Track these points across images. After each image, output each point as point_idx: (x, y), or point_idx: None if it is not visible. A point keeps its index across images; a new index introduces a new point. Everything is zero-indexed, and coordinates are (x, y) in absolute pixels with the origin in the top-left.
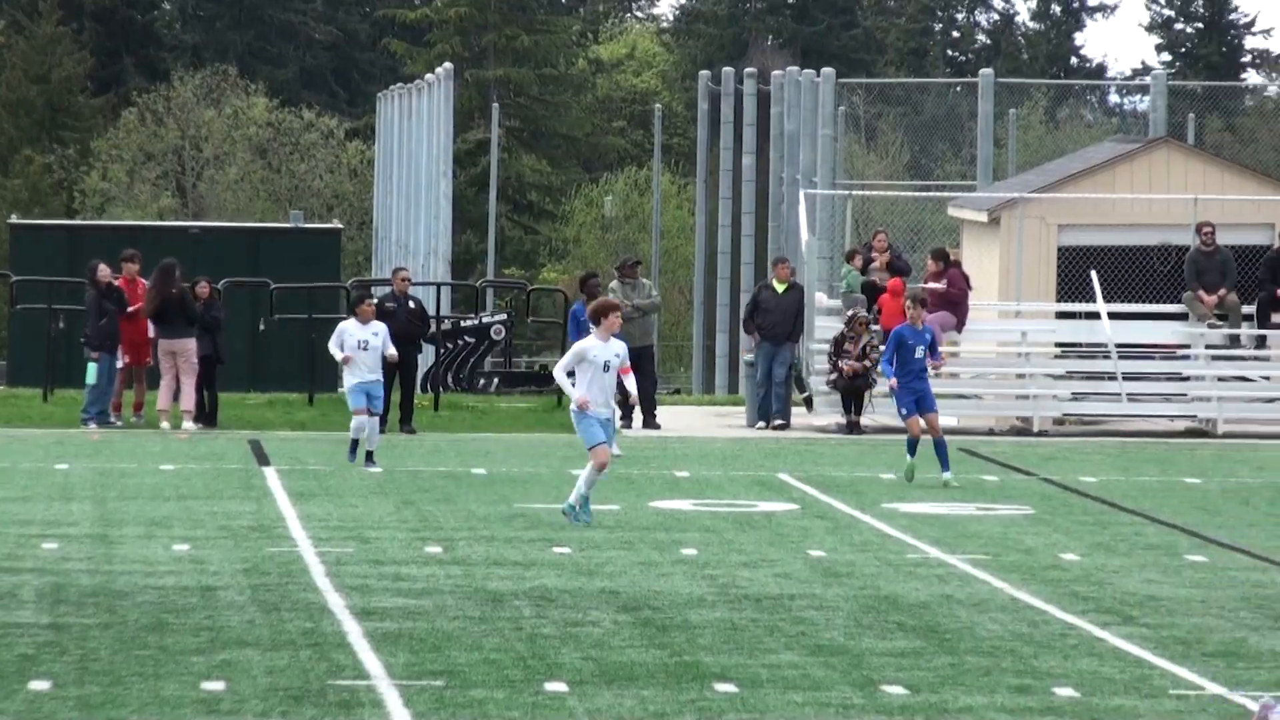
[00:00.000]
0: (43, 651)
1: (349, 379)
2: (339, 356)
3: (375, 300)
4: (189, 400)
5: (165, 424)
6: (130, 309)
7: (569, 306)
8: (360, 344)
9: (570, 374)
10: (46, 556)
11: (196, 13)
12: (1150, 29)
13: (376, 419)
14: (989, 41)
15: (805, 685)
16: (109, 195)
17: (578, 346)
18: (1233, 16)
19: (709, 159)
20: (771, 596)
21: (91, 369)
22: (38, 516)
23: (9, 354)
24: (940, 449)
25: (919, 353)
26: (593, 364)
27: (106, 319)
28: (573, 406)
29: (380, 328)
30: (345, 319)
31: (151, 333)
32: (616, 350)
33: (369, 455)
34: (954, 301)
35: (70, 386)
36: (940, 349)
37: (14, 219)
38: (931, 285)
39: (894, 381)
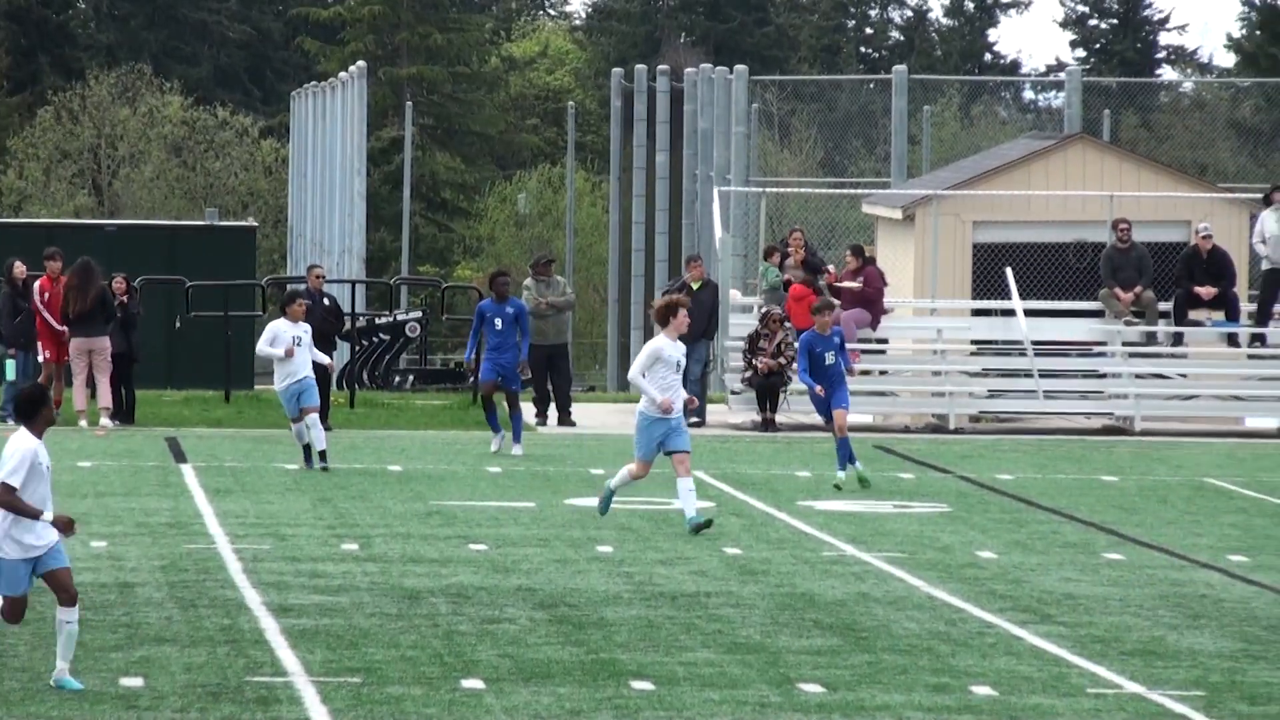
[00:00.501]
0: None
1: (280, 381)
2: (278, 353)
3: (307, 301)
4: (105, 397)
5: (83, 422)
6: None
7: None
8: (295, 340)
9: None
10: None
11: (111, 12)
12: (1065, 25)
13: (316, 416)
14: (902, 38)
15: (722, 683)
16: (25, 193)
17: (651, 347)
18: (1147, 13)
19: (622, 156)
20: (688, 594)
21: (9, 365)
22: None
23: None
24: (842, 448)
25: (829, 358)
26: (666, 364)
27: (21, 316)
28: (644, 408)
29: (307, 327)
30: (259, 316)
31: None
32: (684, 350)
33: (321, 455)
34: (870, 299)
35: None
36: (850, 347)
37: None
38: (847, 284)
39: (820, 389)
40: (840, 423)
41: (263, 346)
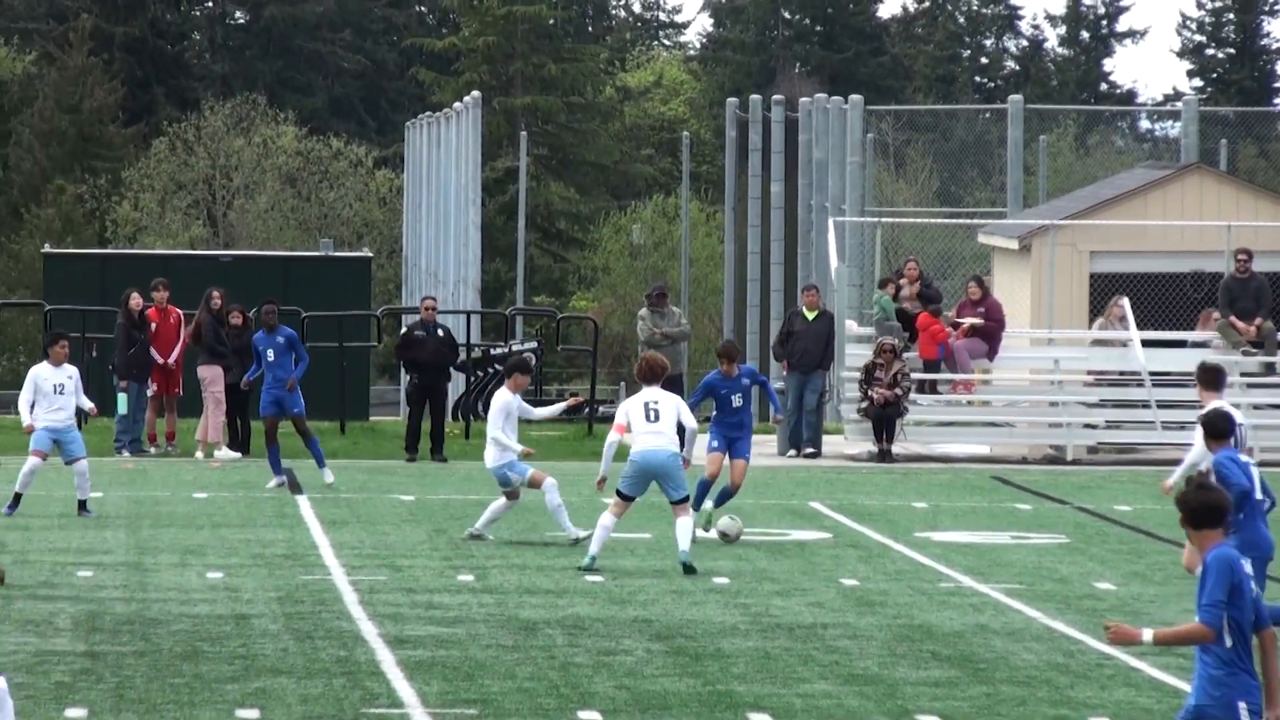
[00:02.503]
0: (79, 679)
1: (40, 421)
2: (25, 418)
3: (66, 343)
4: (205, 428)
5: (200, 453)
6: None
7: (598, 334)
8: (55, 388)
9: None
10: (82, 584)
11: (226, 43)
12: (1181, 54)
13: (84, 464)
14: (1018, 67)
15: (840, 715)
16: (140, 224)
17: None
18: (1265, 42)
19: (737, 186)
20: (805, 625)
21: (121, 399)
22: (73, 545)
23: None
24: (725, 496)
25: (736, 401)
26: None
27: (135, 348)
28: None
29: (74, 371)
30: (374, 347)
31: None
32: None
33: (82, 505)
34: (989, 331)
35: (104, 415)
36: (965, 378)
37: (47, 248)
38: (968, 318)
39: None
40: (737, 474)
41: (23, 397)
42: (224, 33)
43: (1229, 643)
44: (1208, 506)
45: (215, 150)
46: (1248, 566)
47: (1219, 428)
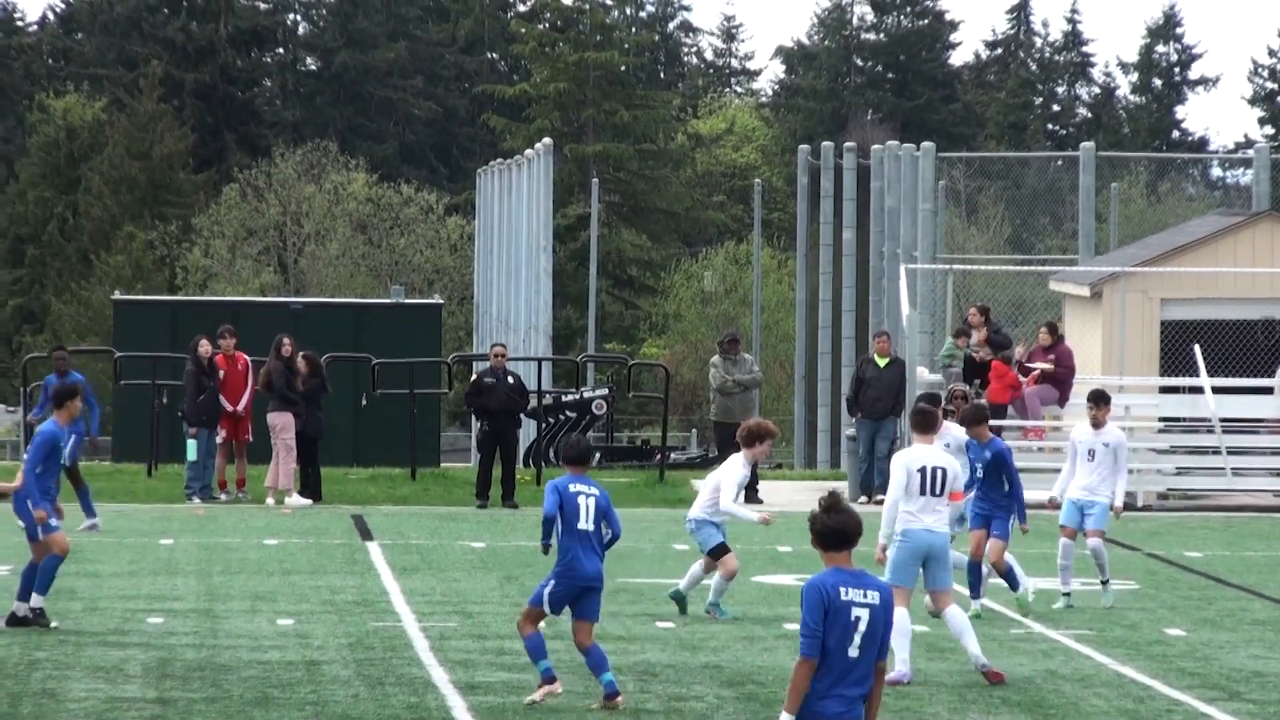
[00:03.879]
0: None
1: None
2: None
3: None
4: (275, 475)
5: (270, 499)
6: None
7: (669, 381)
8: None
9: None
10: (152, 631)
11: (297, 89)
12: (1253, 102)
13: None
14: (1089, 115)
15: None
16: (211, 271)
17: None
18: None
19: (809, 233)
20: None
21: (191, 445)
22: (143, 591)
23: (115, 429)
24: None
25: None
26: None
27: (205, 395)
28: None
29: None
30: (445, 393)
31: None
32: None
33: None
34: (1060, 378)
35: (175, 461)
36: (1036, 424)
37: (118, 295)
38: (1039, 364)
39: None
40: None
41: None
42: (295, 79)
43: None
44: (832, 530)
45: (286, 197)
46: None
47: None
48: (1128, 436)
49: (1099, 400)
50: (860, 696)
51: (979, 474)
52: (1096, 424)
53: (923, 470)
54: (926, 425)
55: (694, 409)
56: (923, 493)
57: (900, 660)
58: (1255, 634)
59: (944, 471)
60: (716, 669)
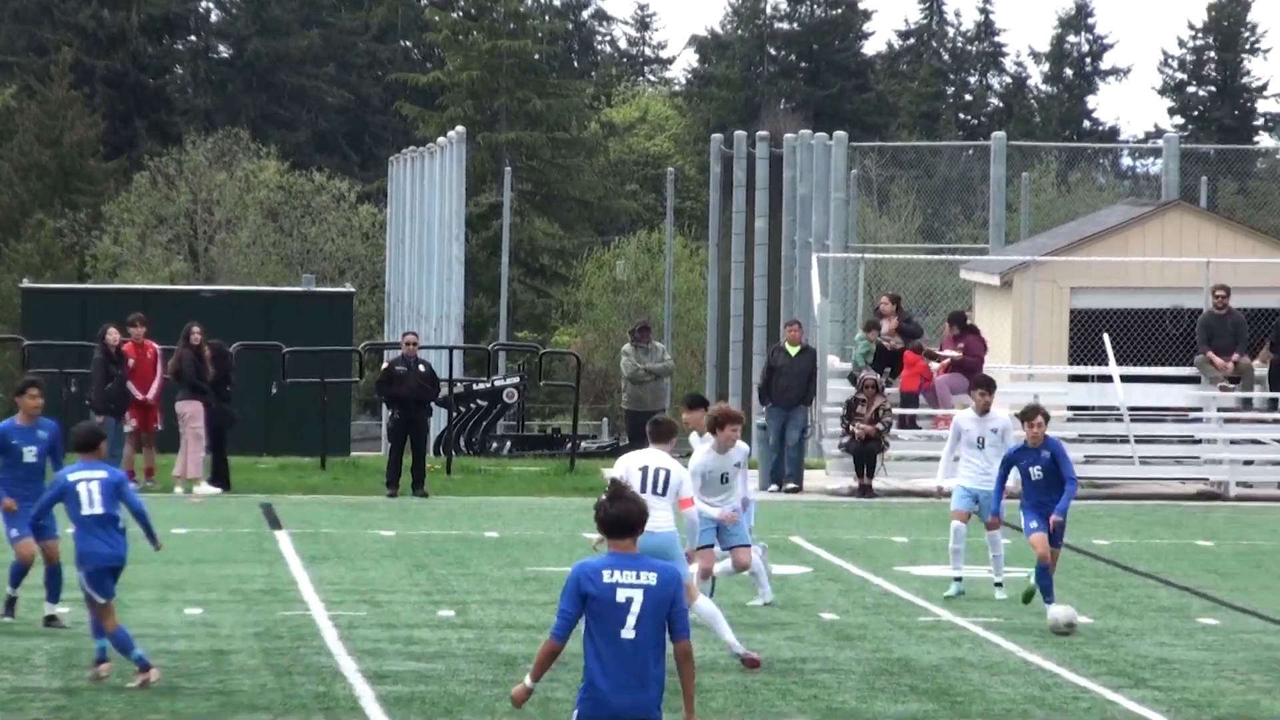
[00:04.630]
0: (56, 716)
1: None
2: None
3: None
4: (184, 464)
5: (179, 488)
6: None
7: (581, 369)
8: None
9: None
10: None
11: (209, 77)
12: (1163, 92)
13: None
14: (1001, 105)
15: None
16: (121, 259)
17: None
18: (1245, 80)
19: (721, 222)
20: (784, 660)
21: None
22: None
23: None
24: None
25: (1035, 474)
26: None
27: (113, 383)
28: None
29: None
30: (356, 382)
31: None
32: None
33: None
34: (969, 367)
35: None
36: (946, 413)
37: (26, 283)
38: (948, 352)
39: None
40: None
41: None
42: (207, 67)
43: (585, 656)
44: (614, 518)
45: (197, 185)
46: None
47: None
48: None
49: (985, 386)
50: (653, 680)
51: (1036, 475)
52: (983, 410)
53: (644, 469)
54: (662, 436)
55: (605, 397)
56: (643, 490)
57: (733, 641)
58: (1161, 621)
59: (666, 473)
60: None
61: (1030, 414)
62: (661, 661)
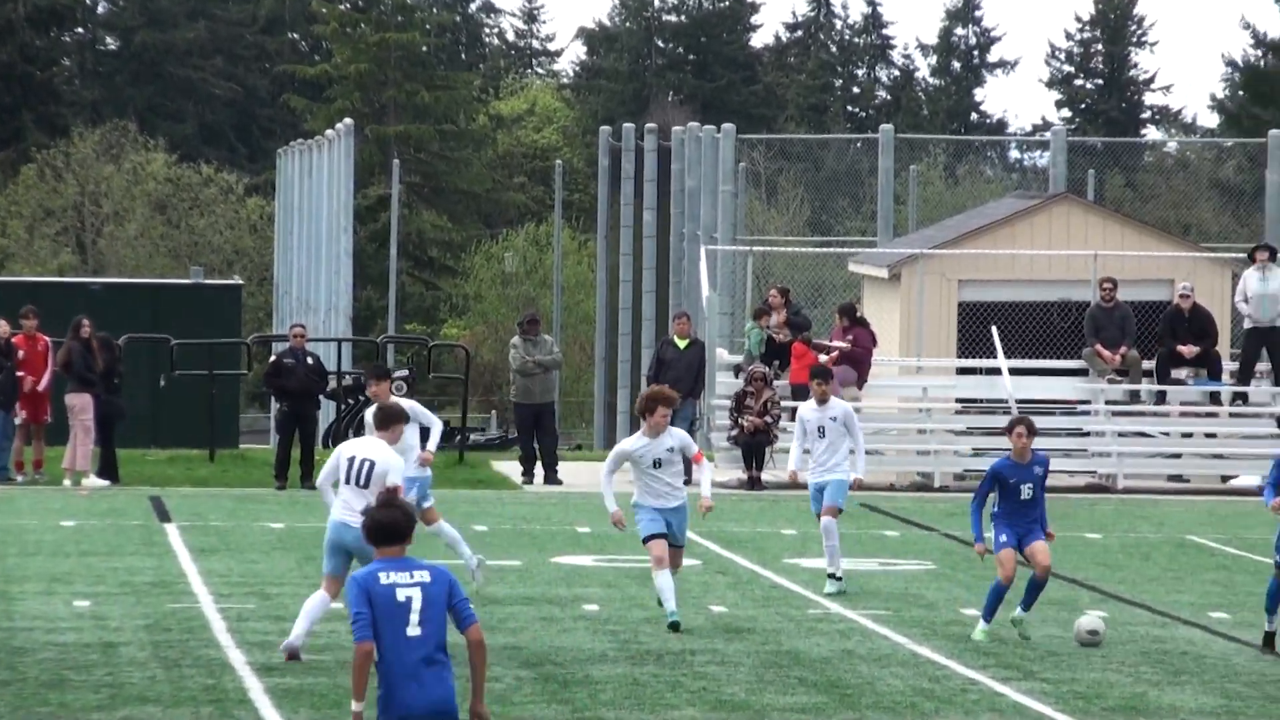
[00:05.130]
0: None
1: None
2: None
3: None
4: (73, 456)
5: (67, 481)
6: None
7: (470, 362)
8: None
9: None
10: None
11: (96, 69)
12: (1050, 85)
13: None
14: (889, 97)
15: None
16: (8, 252)
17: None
18: (1133, 73)
19: (610, 214)
20: (673, 652)
21: None
22: None
23: None
24: (1036, 589)
25: (1025, 493)
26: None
27: (2, 375)
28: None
29: None
30: (244, 375)
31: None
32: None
33: None
34: (857, 359)
35: None
36: None
37: None
38: (837, 343)
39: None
40: (1044, 562)
41: None
42: (94, 58)
43: (376, 656)
44: (382, 525)
45: (85, 177)
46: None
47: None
48: (926, 417)
49: (822, 376)
50: (446, 673)
51: (1026, 495)
52: (822, 400)
53: (351, 460)
54: (381, 424)
55: (494, 390)
56: (347, 482)
57: (300, 634)
58: (1050, 614)
59: (370, 464)
60: (515, 650)
61: (1011, 426)
62: (448, 654)
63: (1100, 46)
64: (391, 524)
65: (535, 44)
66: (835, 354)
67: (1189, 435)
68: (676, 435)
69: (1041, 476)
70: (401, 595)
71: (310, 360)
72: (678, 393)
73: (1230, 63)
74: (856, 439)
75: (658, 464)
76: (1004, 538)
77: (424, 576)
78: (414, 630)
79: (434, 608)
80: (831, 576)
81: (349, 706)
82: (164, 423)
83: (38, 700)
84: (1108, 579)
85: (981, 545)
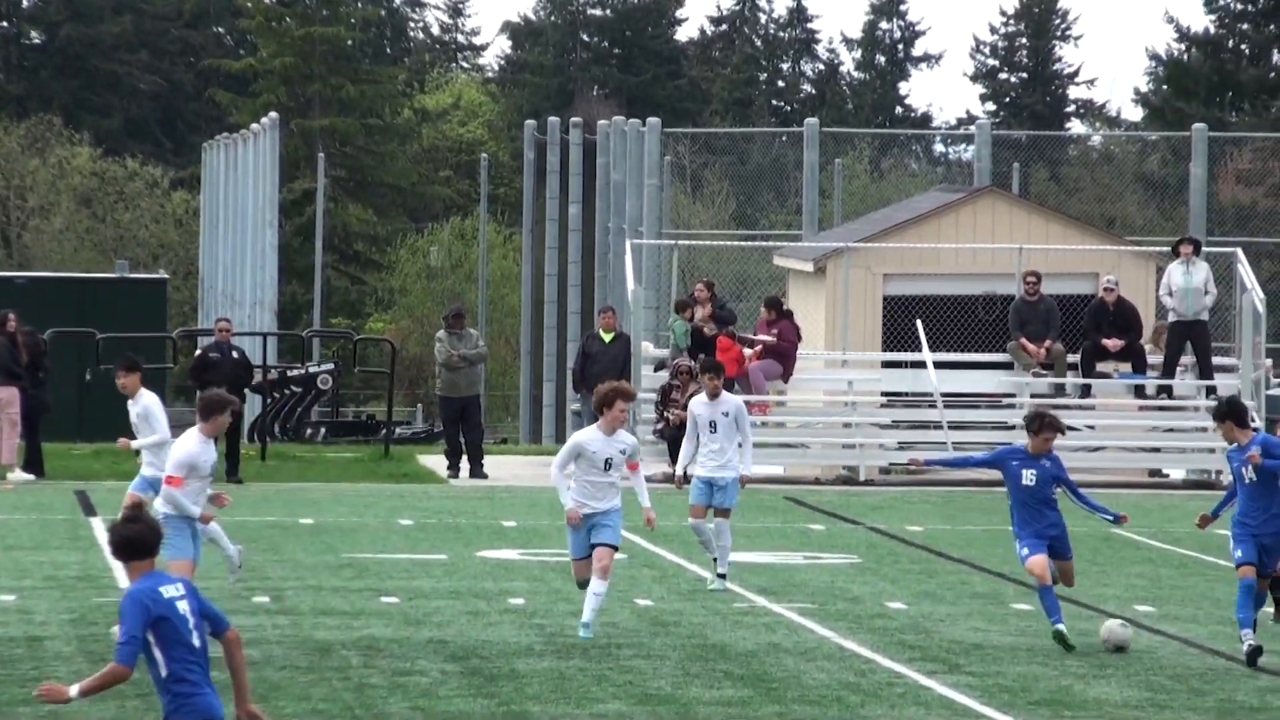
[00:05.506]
0: None
1: None
2: None
3: None
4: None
5: None
6: None
7: (395, 356)
8: None
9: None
10: None
11: (21, 62)
12: (975, 79)
13: None
14: (814, 91)
15: None
16: None
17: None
18: (1057, 67)
19: (535, 208)
20: (599, 646)
21: None
22: None
23: None
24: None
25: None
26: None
27: None
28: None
29: None
30: (170, 368)
31: None
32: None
33: None
34: (782, 352)
35: None
36: (760, 399)
37: None
38: (762, 336)
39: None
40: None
41: None
42: (19, 52)
43: (164, 672)
44: (130, 540)
45: (9, 171)
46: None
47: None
48: (851, 410)
49: (713, 370)
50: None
51: (1027, 481)
52: (713, 394)
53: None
54: (202, 414)
55: (419, 384)
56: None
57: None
58: (975, 607)
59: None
60: (441, 644)
61: (1039, 429)
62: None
63: (1025, 40)
64: (139, 538)
65: (460, 38)
66: (759, 348)
67: (1112, 428)
68: (628, 438)
69: (1050, 471)
70: (181, 608)
71: (235, 354)
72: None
73: (1154, 56)
74: (745, 434)
75: (609, 464)
76: (1025, 550)
77: (181, 589)
78: (195, 640)
79: (199, 615)
80: (719, 574)
81: (274, 700)
82: (89, 417)
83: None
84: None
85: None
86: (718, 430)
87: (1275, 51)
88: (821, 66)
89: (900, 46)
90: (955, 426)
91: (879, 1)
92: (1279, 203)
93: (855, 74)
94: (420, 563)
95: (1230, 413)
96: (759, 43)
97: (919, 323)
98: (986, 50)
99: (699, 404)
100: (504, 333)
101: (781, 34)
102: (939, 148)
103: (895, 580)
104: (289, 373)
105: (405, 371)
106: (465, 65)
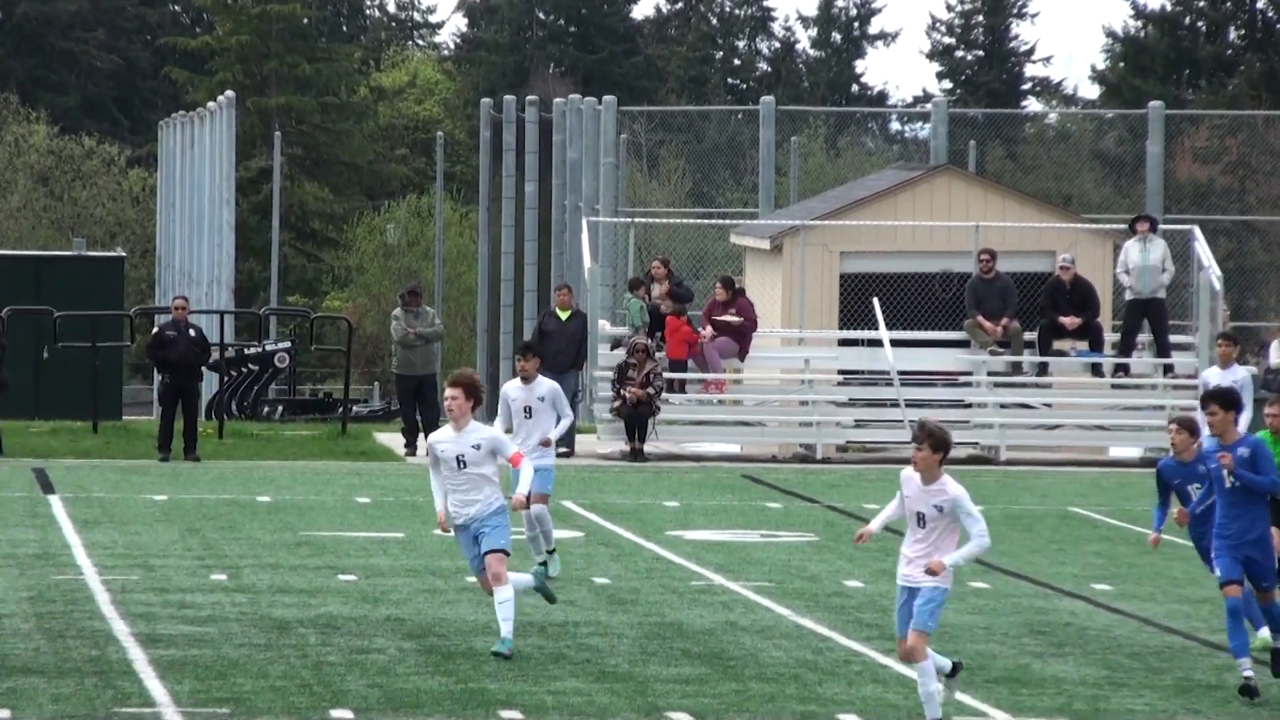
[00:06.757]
0: None
1: None
2: None
3: None
4: None
5: None
6: None
7: (352, 334)
8: None
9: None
10: None
11: None
12: (931, 56)
13: None
14: (770, 69)
15: (590, 712)
16: None
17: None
18: (1013, 45)
19: (491, 186)
20: (556, 624)
21: None
22: None
23: None
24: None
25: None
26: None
27: None
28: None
29: None
30: (127, 346)
31: None
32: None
33: None
34: (740, 330)
35: None
36: (716, 377)
37: None
38: (723, 317)
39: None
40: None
41: None
42: None
43: None
44: None
45: None
46: None
47: None
48: (808, 389)
49: (525, 351)
50: None
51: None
52: (526, 379)
53: None
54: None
55: (376, 362)
56: None
57: None
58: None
59: None
60: (399, 621)
61: (1178, 423)
62: None
63: (981, 18)
64: None
65: (416, 16)
66: (712, 334)
67: (1069, 406)
68: (485, 432)
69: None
70: None
71: (193, 332)
72: (560, 363)
73: (1111, 34)
74: (563, 412)
75: (461, 462)
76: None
77: None
78: None
79: None
80: (549, 553)
81: (232, 677)
82: (47, 394)
83: None
84: (990, 551)
85: (1155, 535)
86: (533, 415)
87: (1232, 29)
88: (777, 44)
89: (856, 24)
90: (912, 404)
91: None
92: (1235, 180)
93: (811, 52)
94: (377, 540)
95: (1234, 405)
96: (715, 20)
97: (876, 301)
98: (943, 28)
99: (514, 388)
100: (460, 311)
101: (737, 11)
102: (895, 126)
103: (853, 559)
104: (246, 351)
105: (362, 349)
106: (421, 43)
